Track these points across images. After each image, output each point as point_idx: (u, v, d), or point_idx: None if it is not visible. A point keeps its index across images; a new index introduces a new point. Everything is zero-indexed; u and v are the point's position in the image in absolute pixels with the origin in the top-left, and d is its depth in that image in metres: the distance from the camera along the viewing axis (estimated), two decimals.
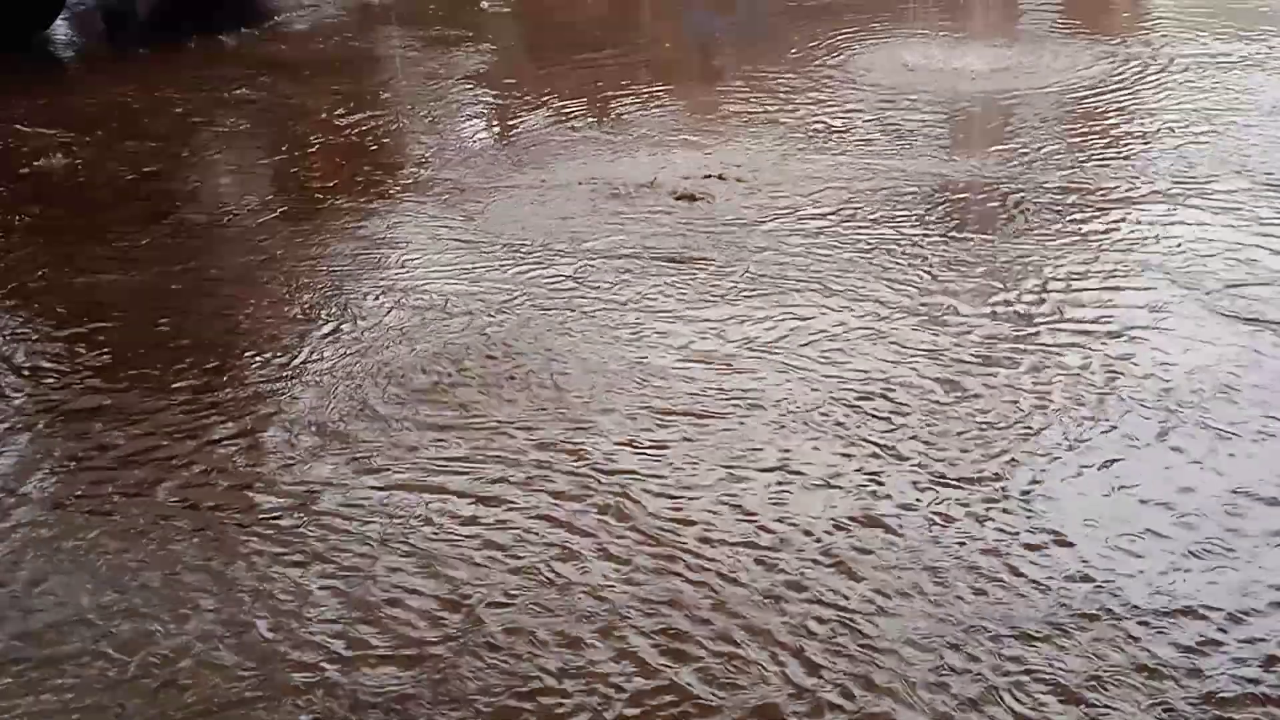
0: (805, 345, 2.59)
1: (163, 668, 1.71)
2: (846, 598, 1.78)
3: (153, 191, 3.94)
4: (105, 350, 2.75)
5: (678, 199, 3.49)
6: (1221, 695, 1.57)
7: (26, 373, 2.66)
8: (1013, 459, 2.14)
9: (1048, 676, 1.61)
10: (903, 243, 3.11)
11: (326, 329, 2.80)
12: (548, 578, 1.87)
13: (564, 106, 4.65)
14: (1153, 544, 1.88)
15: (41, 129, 4.49)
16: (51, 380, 2.63)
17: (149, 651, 1.75)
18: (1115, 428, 2.22)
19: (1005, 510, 1.99)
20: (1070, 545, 1.89)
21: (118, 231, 3.52)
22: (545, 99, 4.86)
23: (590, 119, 4.46)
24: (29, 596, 1.89)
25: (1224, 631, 1.68)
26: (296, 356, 2.67)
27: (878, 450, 2.18)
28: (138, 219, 3.64)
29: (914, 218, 3.28)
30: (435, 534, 1.99)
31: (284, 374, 2.61)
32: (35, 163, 4.12)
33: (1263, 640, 1.66)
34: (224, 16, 6.40)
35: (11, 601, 1.87)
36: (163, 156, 4.31)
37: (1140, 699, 1.56)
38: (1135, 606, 1.73)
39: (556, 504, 2.06)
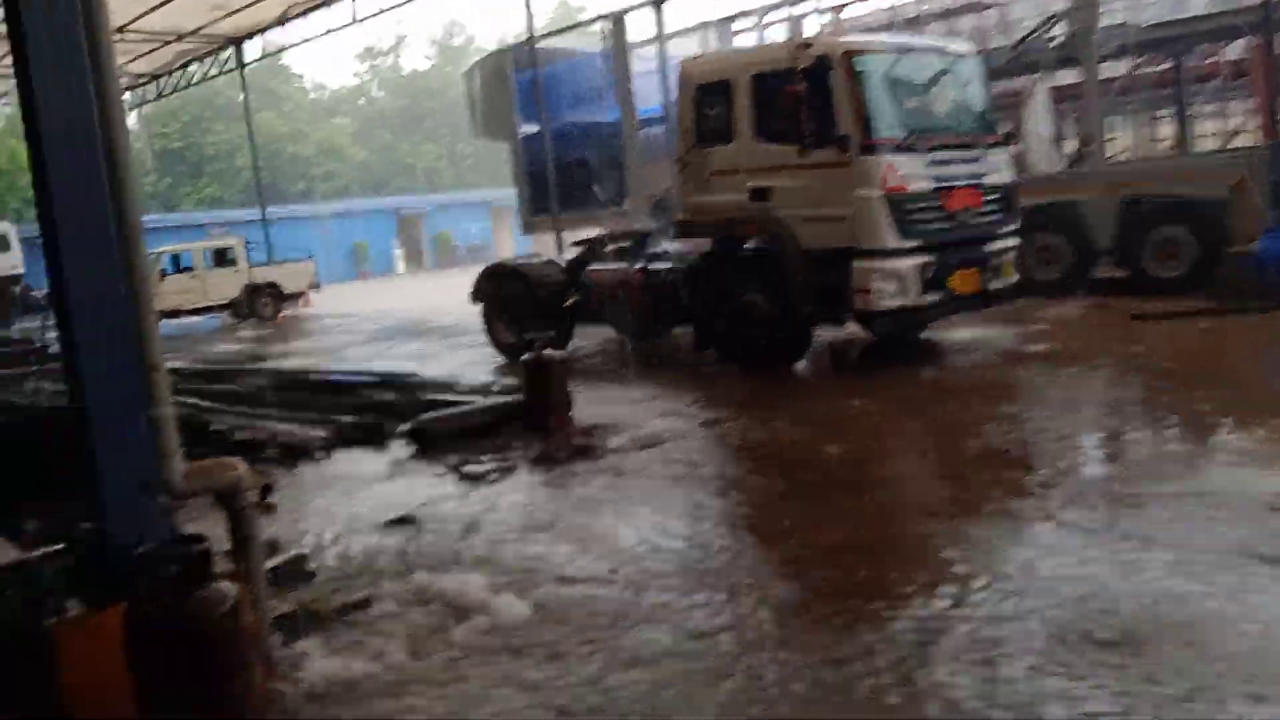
0: None
1: None
2: None
3: (861, 475, 5.76)
4: (824, 563, 4.36)
5: None
6: None
7: (785, 575, 4.34)
8: None
9: None
10: None
11: (975, 584, 4.03)
12: None
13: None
14: None
15: (791, 426, 6.78)
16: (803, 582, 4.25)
17: None
18: None
19: None
20: None
21: (835, 499, 5.30)
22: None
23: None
24: None
25: None
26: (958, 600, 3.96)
27: None
28: (849, 490, 5.43)
29: None
30: None
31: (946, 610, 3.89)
32: (791, 455, 6.30)
33: None
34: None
35: None
36: (865, 450, 6.24)
37: None
38: None
39: None
